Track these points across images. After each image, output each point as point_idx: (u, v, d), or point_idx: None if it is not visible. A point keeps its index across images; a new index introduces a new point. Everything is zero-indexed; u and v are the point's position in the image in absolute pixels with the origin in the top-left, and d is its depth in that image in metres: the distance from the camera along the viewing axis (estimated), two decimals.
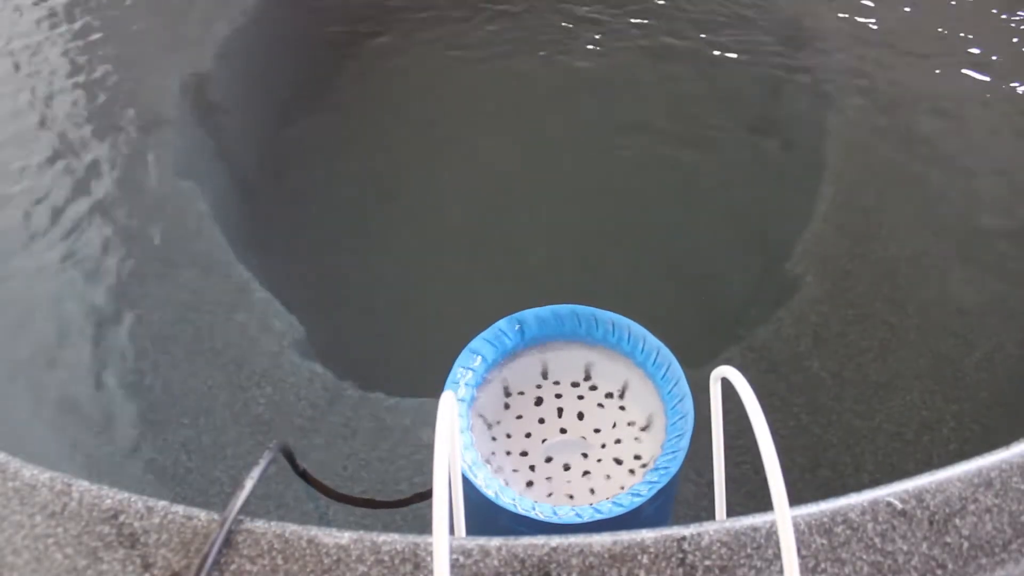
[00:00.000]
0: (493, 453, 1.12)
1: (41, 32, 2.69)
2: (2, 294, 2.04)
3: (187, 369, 1.90)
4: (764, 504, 0.79)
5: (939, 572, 0.83)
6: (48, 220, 2.17)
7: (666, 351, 1.12)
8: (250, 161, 2.55)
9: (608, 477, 1.10)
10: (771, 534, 0.84)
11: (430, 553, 0.82)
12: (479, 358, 1.14)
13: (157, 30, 2.70)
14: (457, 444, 0.95)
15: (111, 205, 2.21)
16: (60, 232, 2.15)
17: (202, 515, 0.87)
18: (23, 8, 2.75)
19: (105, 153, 2.33)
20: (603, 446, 1.13)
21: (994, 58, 2.56)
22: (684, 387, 1.10)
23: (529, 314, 1.17)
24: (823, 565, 0.82)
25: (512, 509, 1.00)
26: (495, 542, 0.84)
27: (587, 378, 1.19)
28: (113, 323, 1.98)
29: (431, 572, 0.75)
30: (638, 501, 1.01)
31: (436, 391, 0.94)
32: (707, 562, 0.83)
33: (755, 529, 0.85)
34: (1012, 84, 2.48)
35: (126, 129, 2.39)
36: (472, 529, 1.01)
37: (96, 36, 2.67)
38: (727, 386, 0.91)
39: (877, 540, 0.84)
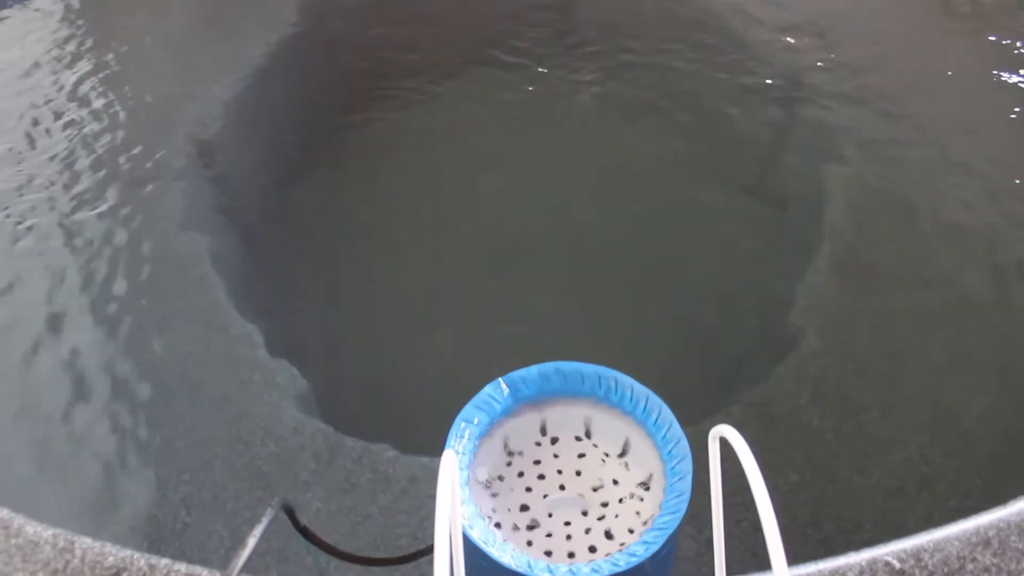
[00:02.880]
0: (494, 509, 1.12)
1: (48, 87, 2.74)
2: (3, 346, 2.07)
3: (188, 423, 1.91)
4: (765, 562, 0.79)
5: None
6: (53, 272, 2.20)
7: (667, 411, 1.13)
8: (253, 216, 2.58)
9: (608, 535, 1.10)
10: None
11: None
12: (480, 414, 1.14)
13: (164, 87, 2.75)
14: (457, 501, 0.95)
15: (116, 259, 2.24)
16: (65, 284, 2.18)
17: (204, 573, 0.88)
18: (34, 70, 2.81)
19: (111, 207, 2.37)
20: (604, 504, 1.13)
21: (986, 124, 2.60)
22: (684, 447, 1.10)
23: (529, 371, 1.18)
24: None
25: (511, 567, 1.00)
26: None
27: (587, 435, 1.19)
28: (115, 377, 1.99)
29: None
30: (636, 560, 1.00)
31: (436, 445, 0.94)
32: None
33: None
34: (1001, 152, 2.51)
35: (132, 183, 2.43)
36: None
37: (102, 91, 2.72)
38: (727, 442, 0.91)
39: None
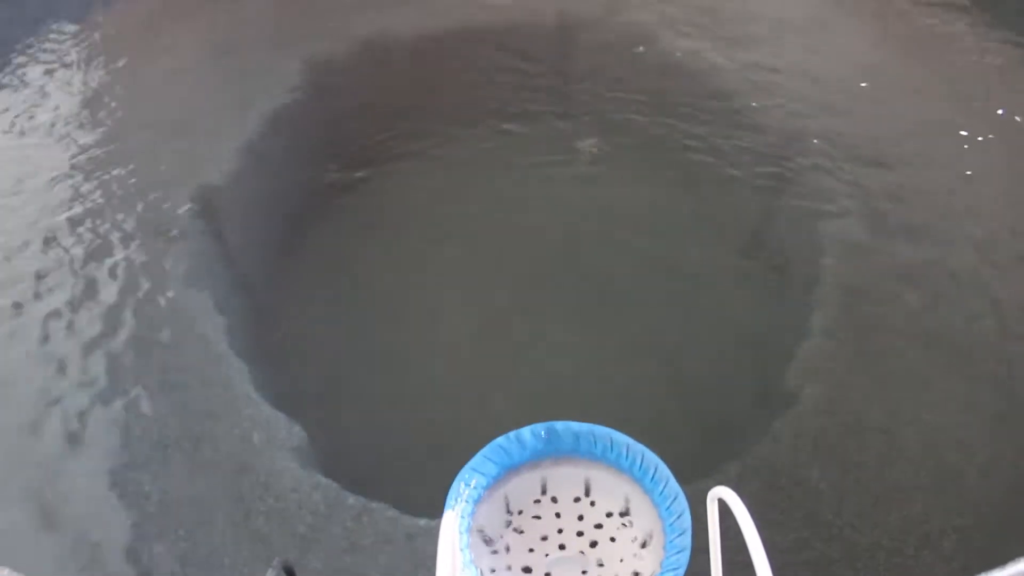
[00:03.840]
0: (493, 570, 1.12)
1: (54, 144, 2.78)
2: (4, 401, 2.08)
3: (187, 478, 1.91)
4: None
5: None
6: (58, 327, 2.22)
7: (664, 467, 1.13)
8: (257, 273, 2.60)
9: None
10: None
11: None
12: (479, 476, 1.15)
13: (169, 146, 2.78)
14: (458, 563, 0.95)
15: (118, 313, 2.26)
16: (66, 337, 2.19)
17: None
18: (41, 127, 2.86)
19: (114, 262, 2.39)
20: (601, 564, 1.13)
21: (985, 187, 2.63)
22: (682, 503, 1.10)
23: (526, 431, 1.19)
24: None
25: None
26: None
27: (587, 494, 1.19)
28: (116, 431, 2.00)
29: None
30: None
31: (437, 502, 0.95)
32: None
33: None
34: (999, 202, 2.54)
35: (134, 239, 2.45)
36: None
37: (106, 149, 2.76)
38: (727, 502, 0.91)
39: None
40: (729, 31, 3.17)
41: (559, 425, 1.20)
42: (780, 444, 1.95)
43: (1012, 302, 2.26)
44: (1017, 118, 2.77)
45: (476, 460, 1.16)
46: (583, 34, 3.22)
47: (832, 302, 2.30)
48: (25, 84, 3.04)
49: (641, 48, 3.14)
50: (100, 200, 2.59)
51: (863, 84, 2.95)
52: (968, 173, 2.62)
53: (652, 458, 1.15)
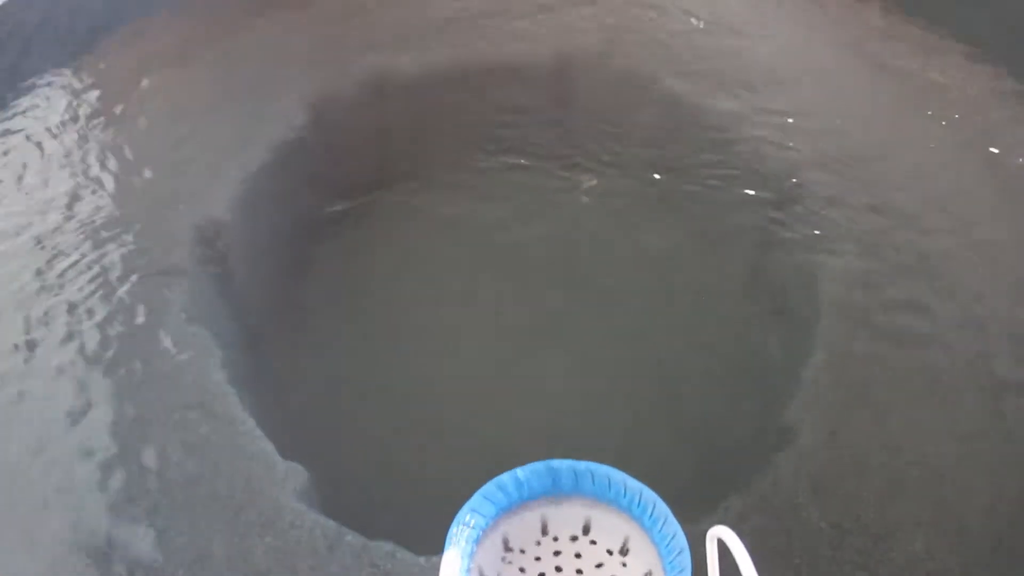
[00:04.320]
0: None
1: (59, 184, 2.80)
2: (5, 435, 2.08)
3: (187, 515, 1.90)
4: None
5: None
6: (60, 363, 2.23)
7: (662, 505, 1.14)
8: (259, 309, 2.62)
9: None
10: None
11: None
12: (478, 516, 1.15)
13: (168, 182, 2.81)
14: None
15: (118, 350, 2.27)
16: (66, 374, 2.20)
17: None
18: (44, 170, 2.89)
19: (115, 299, 2.40)
20: None
21: (986, 233, 2.64)
22: (681, 540, 1.11)
23: (524, 470, 1.19)
24: None
25: None
26: None
27: (586, 532, 1.19)
28: (116, 467, 2.00)
29: None
30: None
31: (437, 541, 0.95)
32: None
33: None
34: (996, 242, 2.56)
35: (136, 276, 2.47)
36: None
37: (107, 185, 2.79)
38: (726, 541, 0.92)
39: None
40: (729, 73, 3.20)
41: (557, 463, 1.20)
42: (779, 481, 1.94)
43: (1015, 337, 2.28)
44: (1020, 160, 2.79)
45: (475, 500, 1.17)
46: (581, 74, 3.26)
47: (832, 338, 2.31)
48: (16, 131, 3.07)
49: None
50: (99, 234, 2.61)
51: (865, 127, 2.98)
52: (969, 220, 2.63)
53: (650, 495, 1.15)
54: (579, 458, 1.21)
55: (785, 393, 2.19)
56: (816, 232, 2.62)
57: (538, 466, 1.19)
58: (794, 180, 2.78)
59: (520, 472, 1.19)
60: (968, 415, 2.10)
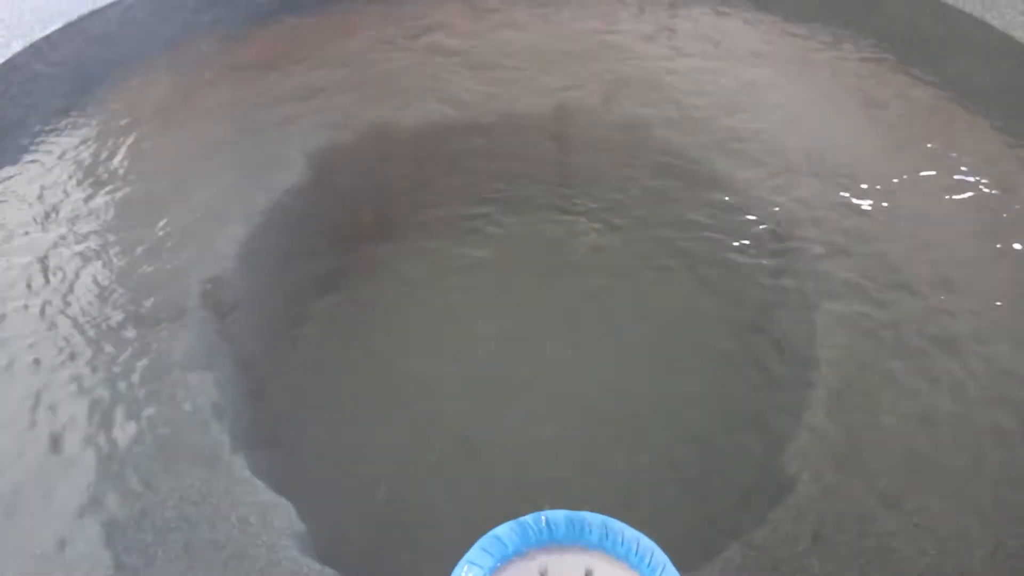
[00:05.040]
0: None
1: (60, 231, 2.83)
2: (5, 483, 2.08)
3: (185, 563, 1.89)
4: None
5: None
6: (54, 407, 2.23)
7: (660, 553, 1.14)
8: (258, 357, 2.63)
9: None
10: None
11: None
12: (476, 567, 1.15)
13: (171, 229, 2.83)
14: None
15: (117, 396, 2.27)
16: (64, 419, 2.20)
17: None
18: (46, 212, 2.91)
19: (115, 344, 2.41)
20: None
21: (987, 276, 2.65)
22: None
23: (523, 521, 1.19)
24: None
25: None
26: None
27: None
28: (109, 515, 1.99)
29: None
30: None
31: None
32: None
33: None
34: (993, 294, 2.57)
35: (137, 322, 2.48)
36: None
37: (110, 232, 2.81)
38: None
39: None
40: (724, 123, 3.25)
41: (555, 513, 1.21)
42: (779, 531, 1.93)
43: (1015, 381, 2.28)
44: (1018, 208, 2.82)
45: (473, 552, 1.17)
46: (580, 126, 3.31)
47: (831, 387, 2.30)
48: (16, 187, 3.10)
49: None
50: (98, 284, 2.62)
51: (866, 175, 3.01)
52: (967, 262, 2.65)
53: (648, 544, 1.16)
54: (577, 507, 1.21)
55: (785, 441, 2.19)
56: (816, 284, 2.63)
57: (537, 516, 1.19)
58: (794, 232, 2.81)
59: (518, 523, 1.19)
60: (969, 466, 2.09)
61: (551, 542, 1.19)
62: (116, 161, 3.12)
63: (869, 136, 3.17)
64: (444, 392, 2.56)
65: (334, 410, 2.51)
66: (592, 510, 1.20)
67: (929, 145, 3.10)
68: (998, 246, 2.68)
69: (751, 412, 2.45)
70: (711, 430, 2.43)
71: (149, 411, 2.24)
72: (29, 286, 2.61)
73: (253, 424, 2.35)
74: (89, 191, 2.99)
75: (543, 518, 1.19)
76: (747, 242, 2.89)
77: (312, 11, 3.96)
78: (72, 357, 2.38)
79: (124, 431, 2.19)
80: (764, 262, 2.83)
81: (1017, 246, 2.67)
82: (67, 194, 2.98)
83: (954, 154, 3.04)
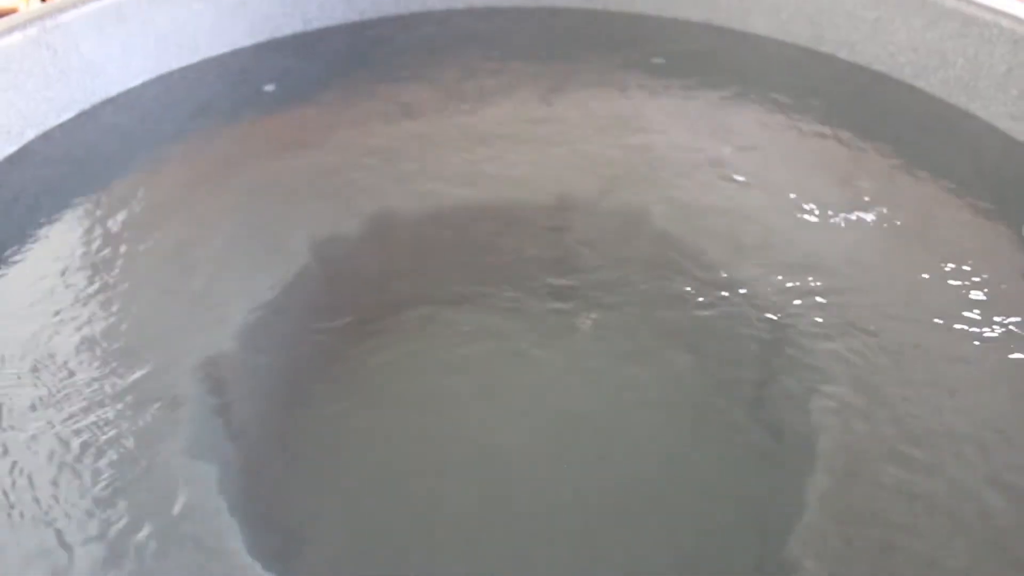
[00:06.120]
0: None
1: (60, 316, 2.85)
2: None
3: None
4: None
5: None
6: (53, 492, 2.22)
7: None
8: (261, 441, 2.62)
9: None
10: None
11: None
12: None
13: (173, 315, 2.85)
14: None
15: (115, 482, 2.25)
16: (62, 507, 2.19)
17: None
18: (45, 297, 2.95)
19: (114, 430, 2.41)
20: None
21: (981, 340, 2.69)
22: None
23: None
24: None
25: None
26: None
27: None
28: None
29: None
30: None
31: None
32: None
33: None
34: (1007, 353, 2.59)
35: (137, 407, 2.48)
36: None
37: (111, 316, 2.83)
38: None
39: None
40: (717, 207, 3.32)
41: None
42: None
43: (1013, 468, 2.27)
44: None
45: None
46: (579, 213, 3.38)
47: (832, 472, 2.29)
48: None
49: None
50: (100, 364, 2.64)
51: (860, 258, 3.05)
52: (964, 355, 2.68)
53: None
54: None
55: (785, 528, 2.17)
56: (815, 366, 2.65)
57: None
58: (792, 316, 2.84)
59: None
60: (972, 550, 2.06)
61: None
62: (121, 247, 3.16)
63: (865, 227, 3.24)
64: (444, 473, 2.55)
65: (334, 495, 2.50)
66: None
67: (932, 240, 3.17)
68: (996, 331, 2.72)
69: (750, 498, 2.45)
70: (710, 514, 2.42)
71: (145, 496, 2.22)
72: (35, 370, 2.63)
73: (252, 507, 2.34)
74: (92, 275, 3.02)
75: None
76: (746, 327, 2.92)
77: (318, 99, 4.08)
78: (66, 444, 2.38)
79: (119, 515, 2.17)
80: (763, 348, 2.85)
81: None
82: (69, 278, 3.01)
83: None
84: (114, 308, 2.91)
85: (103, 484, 2.26)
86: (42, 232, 3.27)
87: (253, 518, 2.29)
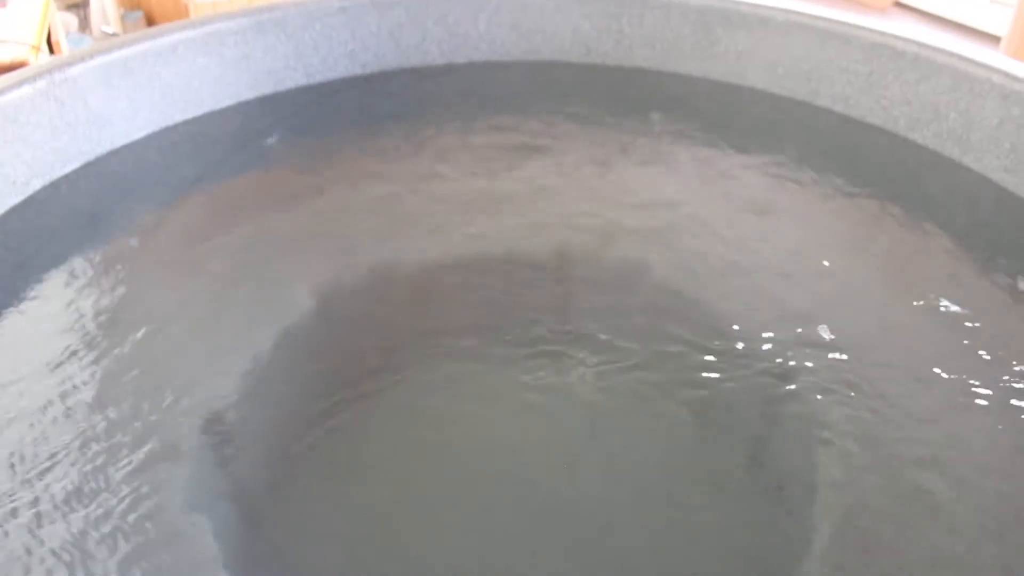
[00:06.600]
0: None
1: (57, 364, 2.85)
2: None
3: None
4: None
5: None
6: (50, 548, 2.20)
7: None
8: (259, 491, 2.61)
9: None
10: None
11: None
12: None
13: (172, 368, 2.85)
14: None
15: (113, 537, 2.23)
16: (60, 559, 2.17)
17: None
18: (46, 347, 2.95)
19: (111, 485, 2.39)
20: None
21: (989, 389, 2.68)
22: None
23: None
24: None
25: None
26: None
27: None
28: None
29: None
30: None
31: None
32: None
33: None
34: (1009, 399, 2.59)
35: (134, 461, 2.47)
36: None
37: (109, 370, 2.83)
38: None
39: None
40: (717, 262, 3.35)
41: None
42: None
43: (1012, 518, 2.26)
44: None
45: None
46: (580, 266, 3.40)
47: (834, 523, 2.27)
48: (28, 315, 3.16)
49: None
50: (97, 418, 2.63)
51: (857, 310, 3.07)
52: (964, 398, 2.68)
53: None
54: None
55: None
56: (817, 419, 2.65)
57: None
58: (791, 364, 2.85)
59: None
60: None
61: None
62: (123, 298, 3.18)
63: (862, 279, 3.27)
64: (441, 530, 2.53)
65: (334, 549, 2.48)
66: None
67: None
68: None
69: (754, 547, 2.43)
70: (711, 565, 2.40)
71: (142, 550, 2.19)
72: (32, 424, 2.62)
73: (253, 560, 2.32)
74: (93, 327, 3.03)
75: None
76: (748, 382, 2.92)
77: (319, 151, 4.13)
78: (66, 501, 2.37)
79: (119, 564, 2.15)
80: (764, 403, 2.85)
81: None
82: (70, 329, 3.02)
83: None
84: (114, 359, 2.93)
85: (100, 538, 2.23)
86: (44, 283, 3.27)
87: (250, 569, 2.28)
